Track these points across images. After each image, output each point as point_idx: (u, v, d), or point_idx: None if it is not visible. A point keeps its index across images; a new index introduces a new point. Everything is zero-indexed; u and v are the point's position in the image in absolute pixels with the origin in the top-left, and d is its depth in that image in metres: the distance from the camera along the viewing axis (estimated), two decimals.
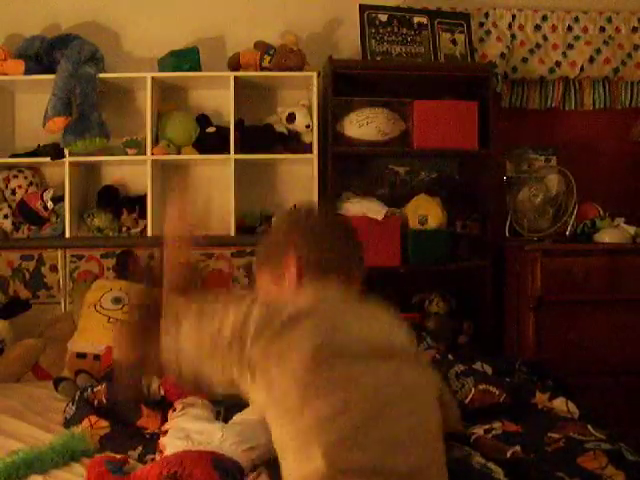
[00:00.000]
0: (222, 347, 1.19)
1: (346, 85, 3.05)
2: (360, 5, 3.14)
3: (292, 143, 3.10)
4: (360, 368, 1.19)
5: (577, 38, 3.35)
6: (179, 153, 3.05)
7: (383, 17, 3.16)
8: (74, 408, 2.09)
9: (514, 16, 3.33)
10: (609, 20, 3.36)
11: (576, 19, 3.36)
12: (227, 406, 1.98)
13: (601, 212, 3.11)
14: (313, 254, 1.36)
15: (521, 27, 3.33)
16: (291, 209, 1.46)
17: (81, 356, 2.65)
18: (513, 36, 3.33)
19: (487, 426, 1.81)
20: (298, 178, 3.20)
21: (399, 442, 1.17)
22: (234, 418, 1.87)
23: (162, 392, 2.15)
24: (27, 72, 2.96)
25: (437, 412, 1.29)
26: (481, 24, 3.32)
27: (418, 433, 1.20)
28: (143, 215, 3.06)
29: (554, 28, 3.35)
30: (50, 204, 3.01)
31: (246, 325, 1.18)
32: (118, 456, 1.77)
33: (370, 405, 1.17)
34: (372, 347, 1.23)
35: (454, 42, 3.22)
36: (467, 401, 1.98)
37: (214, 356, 1.20)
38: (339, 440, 1.13)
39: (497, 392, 1.98)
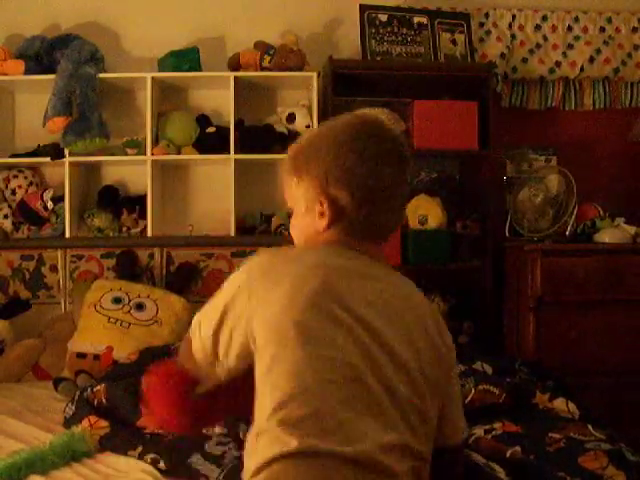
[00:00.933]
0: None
1: (346, 85, 3.05)
2: (360, 5, 3.14)
3: (292, 143, 3.09)
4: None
5: (577, 38, 3.35)
6: (179, 153, 3.05)
7: (383, 17, 3.16)
8: (74, 408, 2.09)
9: (514, 16, 3.32)
10: (609, 20, 3.36)
11: (576, 19, 3.36)
12: None
13: (601, 212, 3.10)
14: (353, 208, 1.25)
15: (521, 27, 3.33)
16: (352, 120, 1.32)
17: (81, 356, 2.65)
18: (513, 36, 3.32)
19: (487, 426, 1.81)
20: None
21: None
22: None
23: None
24: (27, 72, 2.96)
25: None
26: (481, 24, 3.32)
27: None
28: (143, 215, 3.05)
29: (554, 28, 3.35)
30: (50, 204, 3.00)
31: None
32: None
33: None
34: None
35: (454, 42, 3.22)
36: (467, 401, 1.98)
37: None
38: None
39: (497, 392, 1.98)
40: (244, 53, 3.09)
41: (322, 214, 1.27)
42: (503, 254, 3.10)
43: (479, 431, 1.80)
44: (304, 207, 1.31)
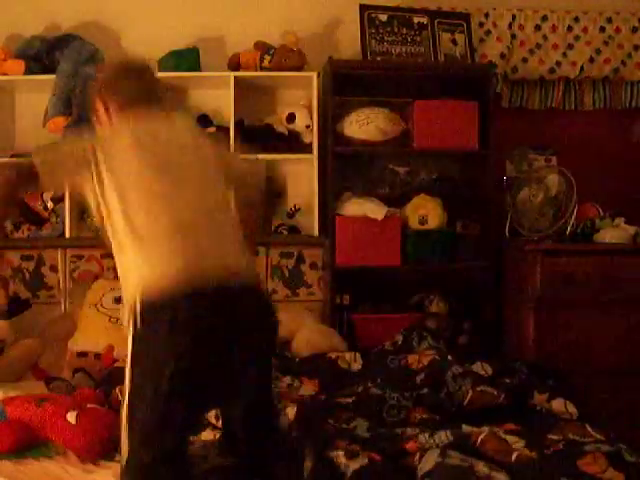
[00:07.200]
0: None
1: (346, 85, 3.05)
2: (360, 5, 3.15)
3: (292, 143, 3.10)
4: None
5: (577, 38, 3.35)
6: None
7: (383, 17, 3.16)
8: None
9: (514, 16, 3.33)
10: (609, 20, 3.36)
11: (576, 19, 3.36)
12: None
13: (601, 212, 3.10)
14: (112, 94, 1.81)
15: (521, 27, 3.33)
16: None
17: (82, 355, 2.66)
18: (513, 36, 3.32)
19: (487, 427, 1.81)
20: (298, 178, 3.20)
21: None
22: None
23: None
24: (27, 72, 2.97)
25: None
26: (481, 24, 3.32)
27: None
28: None
29: (554, 28, 3.35)
30: (50, 204, 3.01)
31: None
32: None
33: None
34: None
35: (454, 42, 3.22)
36: (465, 403, 1.97)
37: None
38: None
39: (496, 393, 1.98)
40: (244, 53, 3.10)
41: (100, 112, 1.85)
42: (503, 254, 3.11)
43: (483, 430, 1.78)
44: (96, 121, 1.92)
